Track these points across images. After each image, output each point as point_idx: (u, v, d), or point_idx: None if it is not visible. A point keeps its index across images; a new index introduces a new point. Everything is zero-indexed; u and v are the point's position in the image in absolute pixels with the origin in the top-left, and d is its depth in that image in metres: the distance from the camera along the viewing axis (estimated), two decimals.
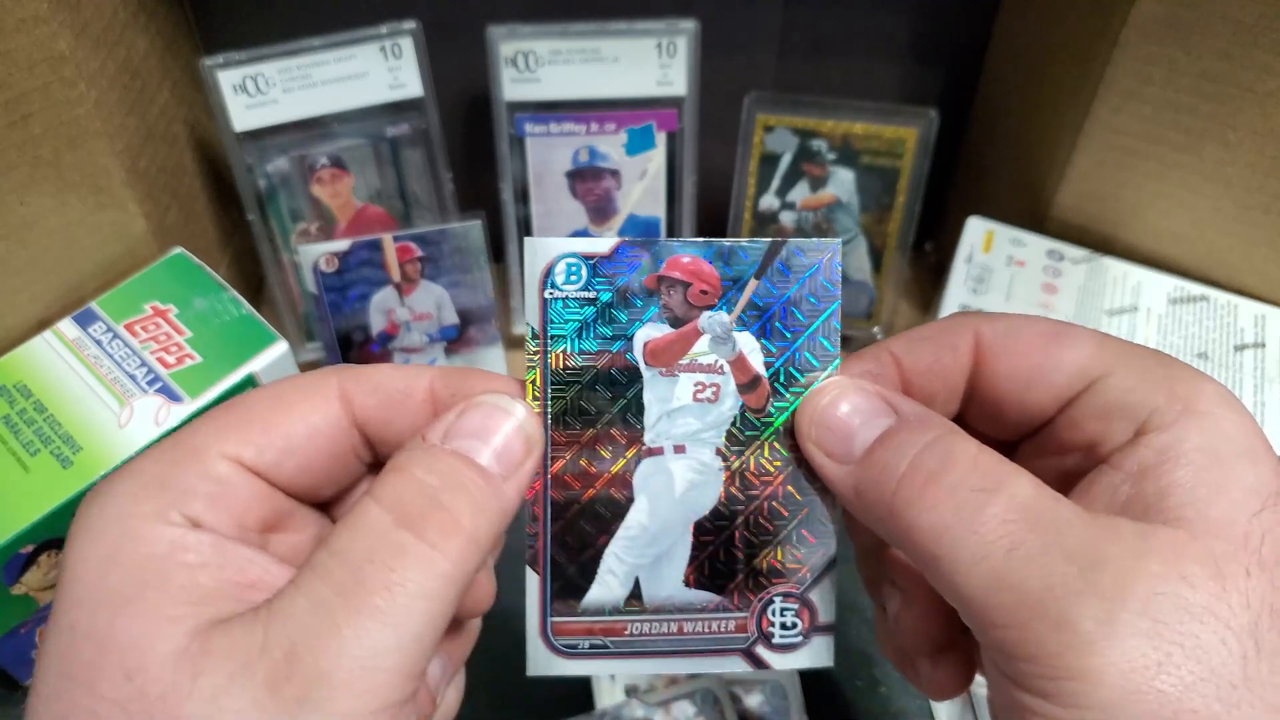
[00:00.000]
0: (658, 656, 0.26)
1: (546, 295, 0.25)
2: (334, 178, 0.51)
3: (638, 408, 0.26)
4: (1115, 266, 0.51)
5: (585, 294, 0.25)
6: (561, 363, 0.25)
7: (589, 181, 0.54)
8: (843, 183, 0.54)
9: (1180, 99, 0.45)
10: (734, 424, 0.26)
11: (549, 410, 0.25)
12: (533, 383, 0.25)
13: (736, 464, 0.26)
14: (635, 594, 0.26)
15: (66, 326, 0.40)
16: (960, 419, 0.26)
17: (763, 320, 0.26)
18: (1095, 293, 0.50)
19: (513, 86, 0.50)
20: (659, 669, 0.27)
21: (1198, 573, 0.20)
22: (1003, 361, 0.25)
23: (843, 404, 0.25)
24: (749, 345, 0.26)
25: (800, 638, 0.26)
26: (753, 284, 0.25)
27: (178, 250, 0.43)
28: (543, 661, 0.26)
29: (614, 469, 0.26)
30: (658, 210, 0.55)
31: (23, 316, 0.41)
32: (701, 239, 0.25)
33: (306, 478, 0.24)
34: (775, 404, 0.26)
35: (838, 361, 0.26)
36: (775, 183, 0.55)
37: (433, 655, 0.22)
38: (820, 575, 0.26)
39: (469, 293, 0.51)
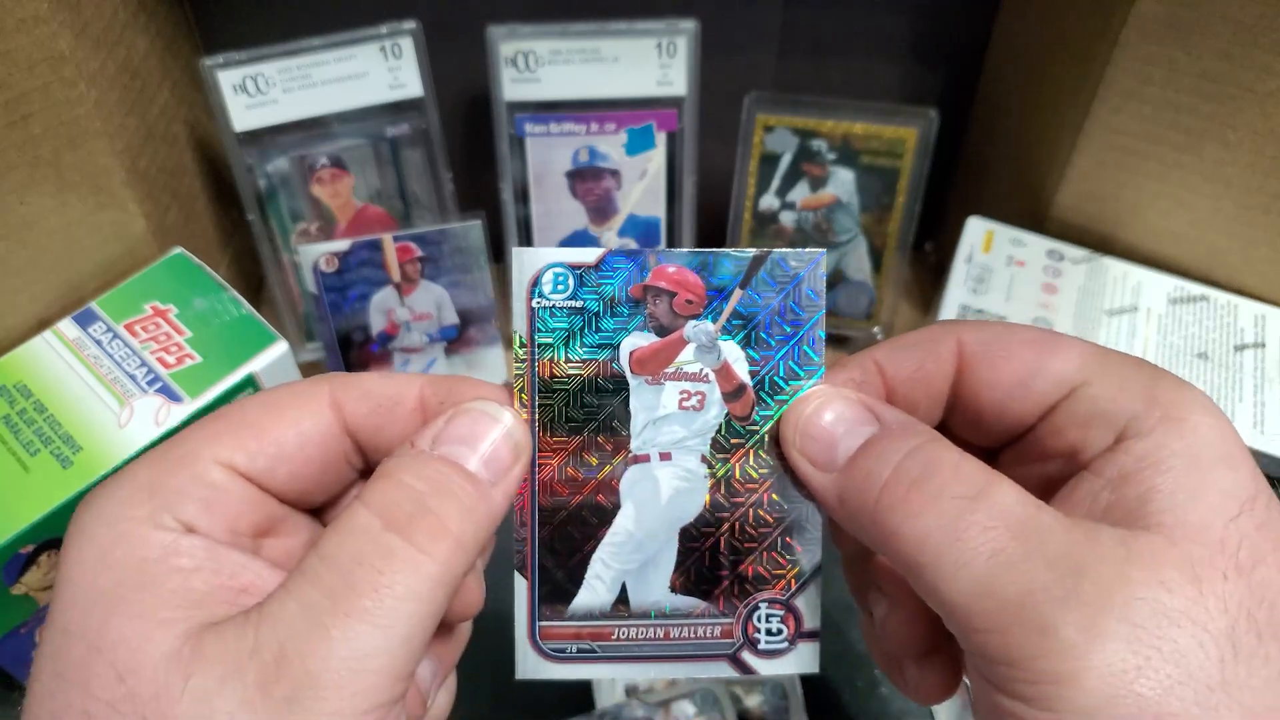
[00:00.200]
0: (644, 661, 0.27)
1: (534, 304, 0.25)
2: (334, 178, 0.51)
3: (624, 415, 0.26)
4: (1115, 266, 0.51)
5: (572, 303, 0.26)
6: (549, 371, 0.26)
7: (589, 181, 0.54)
8: (843, 183, 0.54)
9: (1180, 99, 0.45)
10: (719, 432, 0.26)
11: (536, 417, 0.26)
12: (520, 390, 0.26)
13: (722, 471, 0.26)
14: (622, 599, 0.26)
15: (66, 326, 0.40)
16: (943, 427, 0.26)
17: (748, 329, 0.26)
18: (1095, 293, 0.50)
19: (513, 86, 0.50)
20: (646, 673, 0.27)
21: (1176, 578, 0.20)
22: (985, 369, 0.25)
23: (827, 412, 0.25)
24: (734, 354, 0.26)
25: (786, 644, 0.26)
26: (738, 294, 0.26)
27: (178, 250, 0.44)
28: (531, 665, 0.26)
29: (600, 475, 0.26)
30: (658, 210, 0.55)
31: (23, 316, 0.42)
32: (687, 249, 0.26)
33: (298, 483, 0.25)
34: (760, 412, 0.26)
35: (822, 370, 0.26)
36: (775, 183, 0.55)
37: (421, 657, 0.22)
38: (805, 582, 0.26)
39: (469, 293, 0.51)
